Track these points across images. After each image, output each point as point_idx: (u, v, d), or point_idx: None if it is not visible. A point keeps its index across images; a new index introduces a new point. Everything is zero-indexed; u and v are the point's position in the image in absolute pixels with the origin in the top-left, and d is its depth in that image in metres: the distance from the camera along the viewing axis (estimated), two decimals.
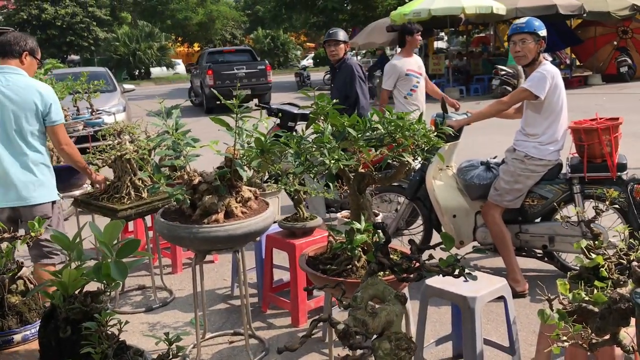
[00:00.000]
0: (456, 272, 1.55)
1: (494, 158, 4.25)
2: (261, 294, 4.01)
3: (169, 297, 4.25)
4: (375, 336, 1.36)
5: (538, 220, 4.07)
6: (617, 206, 3.73)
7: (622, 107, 11.89)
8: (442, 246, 1.79)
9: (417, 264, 1.57)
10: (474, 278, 1.63)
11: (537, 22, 3.83)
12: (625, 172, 3.81)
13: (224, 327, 3.75)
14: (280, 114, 5.46)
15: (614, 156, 3.73)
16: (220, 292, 4.32)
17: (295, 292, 3.64)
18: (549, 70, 3.77)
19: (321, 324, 3.63)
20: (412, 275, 1.56)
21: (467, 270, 1.61)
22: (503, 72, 15.30)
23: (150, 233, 4.65)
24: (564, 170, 3.97)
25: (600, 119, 3.93)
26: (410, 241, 1.89)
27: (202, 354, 3.35)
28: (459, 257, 1.61)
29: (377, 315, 1.32)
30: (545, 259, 4.14)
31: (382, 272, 1.90)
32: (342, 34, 5.43)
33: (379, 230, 2.02)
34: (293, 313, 3.71)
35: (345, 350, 1.32)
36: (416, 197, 4.37)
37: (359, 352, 1.23)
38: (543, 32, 3.80)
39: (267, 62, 18.71)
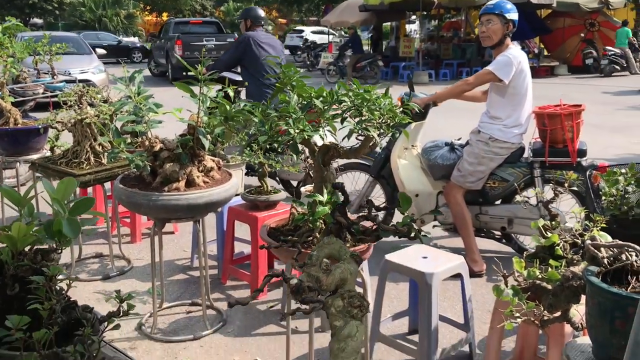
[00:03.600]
0: (412, 235, 1.55)
1: (459, 139, 4.28)
2: (221, 266, 3.99)
3: (127, 266, 4.18)
4: (328, 294, 1.35)
5: (498, 202, 4.13)
6: (575, 189, 3.81)
7: (585, 98, 12.12)
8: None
9: (374, 225, 1.57)
10: (428, 242, 1.64)
11: (509, 5, 3.83)
12: (584, 159, 3.88)
13: (182, 297, 3.72)
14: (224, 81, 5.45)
15: (575, 142, 3.80)
16: (179, 262, 4.28)
17: (256, 264, 3.63)
18: (515, 54, 3.79)
19: (280, 296, 3.64)
20: (369, 237, 1.56)
21: (422, 233, 1.62)
22: (611, 53, 17.00)
23: (110, 201, 4.57)
24: (525, 154, 4.03)
25: (564, 105, 3.99)
26: (368, 201, 1.88)
27: (158, 323, 3.32)
28: (415, 218, 1.61)
29: (332, 272, 1.32)
30: (503, 240, 4.22)
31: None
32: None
33: (338, 191, 2.01)
34: (252, 285, 3.69)
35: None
36: (380, 175, 4.38)
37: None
38: (511, 15, 3.80)
39: (236, 34, 18.47)
